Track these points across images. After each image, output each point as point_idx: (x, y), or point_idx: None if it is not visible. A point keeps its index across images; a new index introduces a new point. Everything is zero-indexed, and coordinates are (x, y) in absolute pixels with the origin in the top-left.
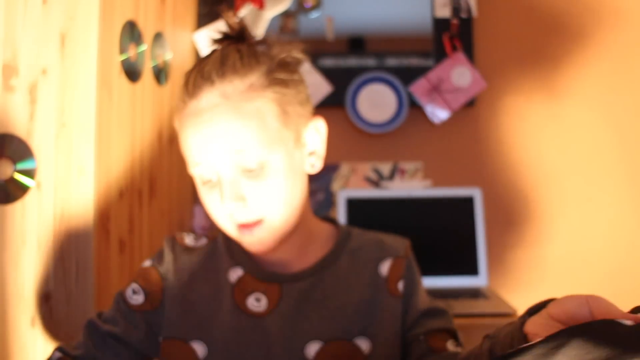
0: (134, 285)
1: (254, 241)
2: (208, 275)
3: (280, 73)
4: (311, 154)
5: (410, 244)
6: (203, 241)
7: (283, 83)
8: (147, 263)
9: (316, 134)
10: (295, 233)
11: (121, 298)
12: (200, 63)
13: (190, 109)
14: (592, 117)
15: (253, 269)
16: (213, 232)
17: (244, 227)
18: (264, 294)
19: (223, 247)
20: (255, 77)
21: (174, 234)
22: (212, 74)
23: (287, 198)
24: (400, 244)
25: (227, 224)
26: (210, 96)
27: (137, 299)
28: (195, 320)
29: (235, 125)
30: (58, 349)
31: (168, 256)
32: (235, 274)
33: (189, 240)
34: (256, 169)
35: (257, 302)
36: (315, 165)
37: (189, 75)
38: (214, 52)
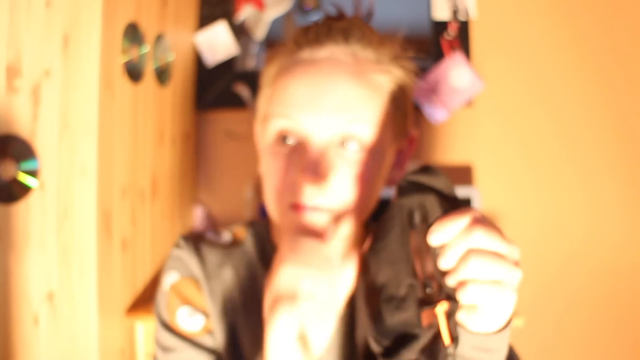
0: (184, 310)
1: (310, 227)
2: (242, 283)
3: (405, 62)
4: (397, 167)
5: None
6: (226, 237)
7: (406, 72)
8: (173, 277)
9: (409, 146)
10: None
11: (173, 334)
12: (320, 22)
13: (304, 55)
14: (590, 117)
15: None
16: (237, 231)
17: (305, 209)
18: None
19: (255, 254)
20: (385, 54)
21: (187, 233)
22: (345, 32)
23: (362, 198)
24: None
25: (282, 200)
26: (337, 50)
27: (198, 320)
28: (234, 338)
29: (355, 89)
30: None
31: (192, 260)
32: None
33: (210, 235)
34: (353, 148)
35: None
36: (394, 180)
37: (307, 26)
38: (331, 18)
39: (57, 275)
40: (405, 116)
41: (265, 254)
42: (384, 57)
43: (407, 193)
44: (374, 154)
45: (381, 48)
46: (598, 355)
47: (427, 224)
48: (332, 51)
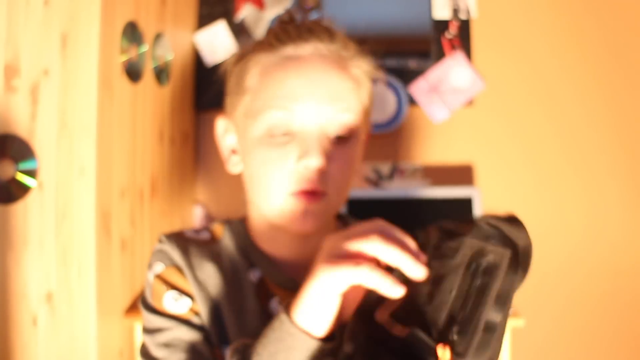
0: (170, 294)
1: (309, 211)
2: (224, 273)
3: (370, 58)
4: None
5: None
6: (205, 235)
7: (374, 67)
8: (158, 268)
9: (366, 140)
10: (325, 228)
11: (162, 316)
12: (297, 23)
13: (288, 52)
14: (591, 116)
15: (272, 273)
16: (215, 228)
17: (306, 195)
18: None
19: (234, 249)
20: (357, 51)
21: (168, 232)
22: (329, 31)
23: (348, 183)
24: None
25: (283, 189)
26: (321, 46)
27: (184, 303)
28: (220, 323)
29: (343, 81)
30: None
31: (174, 252)
32: (255, 275)
33: (189, 233)
34: (345, 134)
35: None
36: (357, 174)
37: (283, 26)
38: (305, 20)
39: (55, 275)
40: (370, 109)
41: (243, 248)
42: (357, 54)
43: (483, 235)
44: (356, 142)
45: (353, 46)
46: (598, 355)
47: (488, 277)
48: (316, 47)
